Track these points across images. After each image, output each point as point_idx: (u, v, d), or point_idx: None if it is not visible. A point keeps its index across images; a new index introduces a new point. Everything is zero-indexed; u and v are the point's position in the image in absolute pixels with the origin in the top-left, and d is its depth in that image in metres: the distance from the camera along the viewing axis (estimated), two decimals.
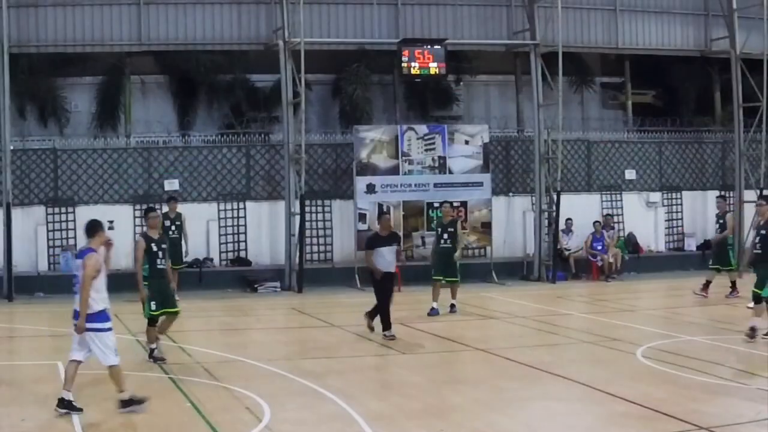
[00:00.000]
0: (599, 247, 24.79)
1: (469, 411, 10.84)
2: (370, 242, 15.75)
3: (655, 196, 27.11)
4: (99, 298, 10.64)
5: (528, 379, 12.55)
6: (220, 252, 24.22)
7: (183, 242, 20.96)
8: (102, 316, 10.65)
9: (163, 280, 13.56)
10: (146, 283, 13.36)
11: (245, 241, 24.39)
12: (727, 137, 27.55)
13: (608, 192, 26.68)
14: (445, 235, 18.52)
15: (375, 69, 26.44)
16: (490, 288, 22.97)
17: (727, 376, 12.29)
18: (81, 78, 25.70)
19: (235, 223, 24.40)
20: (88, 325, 10.56)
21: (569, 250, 25.23)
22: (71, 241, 23.31)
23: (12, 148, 22.42)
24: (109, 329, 10.71)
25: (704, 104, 29.34)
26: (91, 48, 23.48)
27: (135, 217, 23.55)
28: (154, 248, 13.46)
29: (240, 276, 23.57)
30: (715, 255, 20.72)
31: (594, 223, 25.27)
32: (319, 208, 24.63)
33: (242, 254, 24.44)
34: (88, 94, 25.73)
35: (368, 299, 21.85)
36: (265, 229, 24.40)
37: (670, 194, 27.12)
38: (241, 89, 26.43)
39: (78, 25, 22.76)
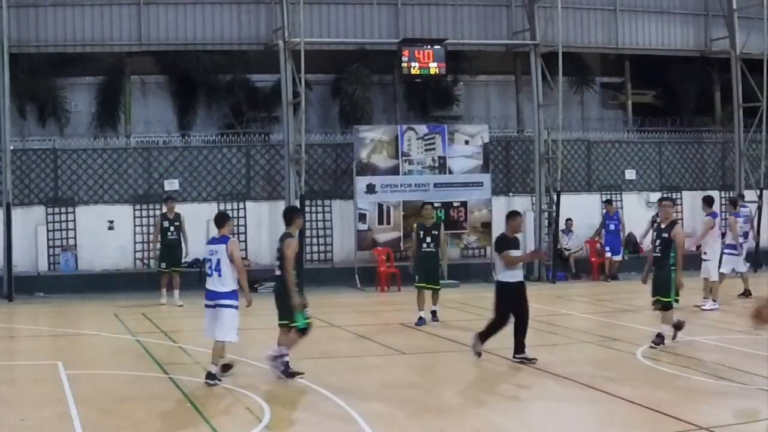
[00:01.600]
0: (612, 227, 24.66)
1: (469, 411, 10.83)
2: (504, 245, 13.92)
3: (655, 197, 27.00)
4: (233, 279, 11.82)
5: (528, 379, 12.55)
6: None
7: (182, 243, 20.75)
8: (236, 295, 11.88)
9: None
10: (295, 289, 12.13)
11: (245, 241, 24.34)
12: (727, 137, 27.56)
13: (608, 192, 26.63)
14: (428, 239, 17.42)
15: (375, 69, 26.43)
16: (490, 288, 22.82)
17: (726, 376, 12.27)
18: (81, 78, 25.70)
19: (235, 223, 24.33)
20: (226, 302, 11.76)
21: (569, 250, 25.23)
22: (71, 241, 23.33)
23: (12, 148, 22.41)
24: (237, 307, 11.90)
25: (704, 104, 29.33)
26: (91, 48, 23.48)
27: (135, 217, 23.58)
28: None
29: None
30: None
31: (604, 203, 25.38)
32: (319, 208, 24.62)
33: (242, 254, 24.40)
34: (88, 94, 25.74)
35: (368, 299, 22.03)
36: (265, 229, 24.36)
37: (670, 194, 27.06)
38: (241, 89, 26.43)
39: (78, 25, 22.76)
